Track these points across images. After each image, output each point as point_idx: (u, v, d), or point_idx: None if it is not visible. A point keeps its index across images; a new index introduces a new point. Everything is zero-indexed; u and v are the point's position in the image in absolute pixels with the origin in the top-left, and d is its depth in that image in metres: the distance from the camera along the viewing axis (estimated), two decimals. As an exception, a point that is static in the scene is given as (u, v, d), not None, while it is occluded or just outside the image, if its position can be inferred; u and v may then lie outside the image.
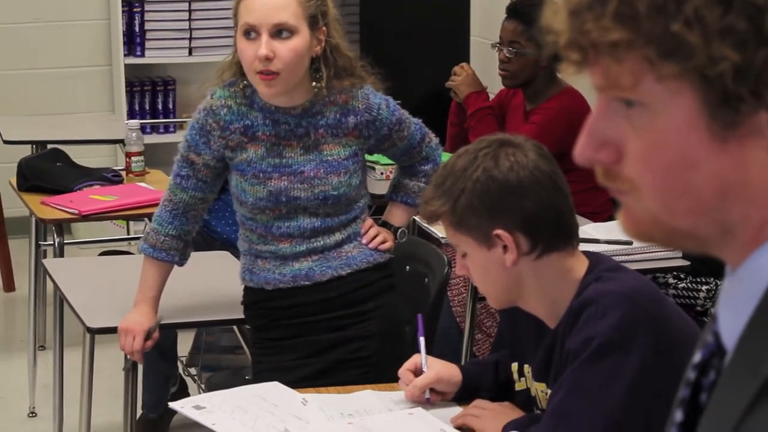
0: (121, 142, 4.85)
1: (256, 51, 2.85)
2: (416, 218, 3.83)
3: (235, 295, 3.17)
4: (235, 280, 3.13)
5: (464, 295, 4.16)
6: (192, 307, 3.31)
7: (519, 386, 2.47)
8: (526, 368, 2.44)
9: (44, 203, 4.21)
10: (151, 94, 6.58)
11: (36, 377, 4.65)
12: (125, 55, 6.43)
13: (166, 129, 6.62)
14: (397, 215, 3.20)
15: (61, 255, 4.16)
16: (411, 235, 3.46)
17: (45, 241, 4.66)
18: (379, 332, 3.03)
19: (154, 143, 6.05)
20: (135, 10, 6.42)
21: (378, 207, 3.58)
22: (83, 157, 5.01)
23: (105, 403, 4.31)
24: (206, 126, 2.99)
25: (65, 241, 4.27)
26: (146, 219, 4.16)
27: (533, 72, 4.56)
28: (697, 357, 1.06)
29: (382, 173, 4.63)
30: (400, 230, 3.18)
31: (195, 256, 3.19)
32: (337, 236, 3.01)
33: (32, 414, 4.66)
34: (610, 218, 4.26)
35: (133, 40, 6.45)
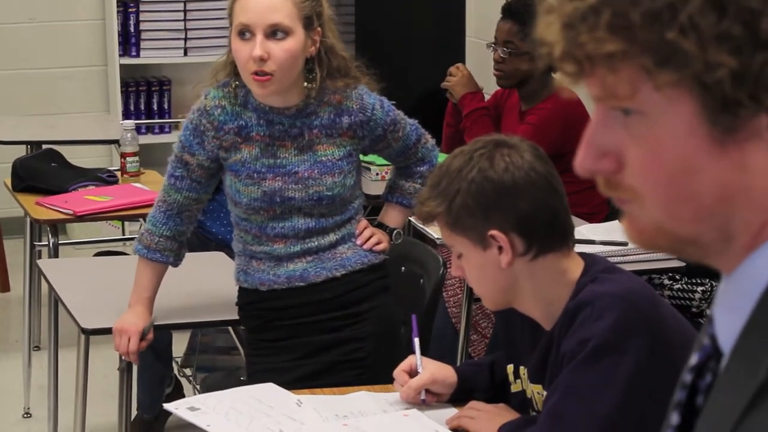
0: (116, 142, 4.84)
1: (251, 51, 2.84)
2: (412, 219, 3.82)
3: (229, 296, 3.16)
4: (230, 280, 3.12)
5: (460, 295, 4.16)
6: (187, 307, 3.30)
7: (514, 388, 2.47)
8: (522, 370, 2.43)
9: (39, 204, 4.20)
10: (146, 94, 6.58)
11: (31, 378, 4.65)
12: (120, 55, 6.43)
13: (162, 129, 6.62)
14: (392, 216, 3.19)
15: (56, 255, 4.15)
16: (406, 236, 3.46)
17: (40, 241, 4.65)
18: (374, 333, 3.03)
19: (149, 143, 6.05)
20: (130, 10, 6.42)
21: (373, 207, 3.58)
22: (78, 157, 5.00)
23: (100, 404, 4.31)
24: (200, 126, 2.98)
25: (60, 242, 4.26)
26: (141, 219, 4.16)
27: (528, 72, 4.56)
28: (694, 359, 1.05)
29: (377, 174, 4.62)
30: (395, 231, 3.17)
31: (190, 257, 3.19)
32: (332, 237, 3.00)
33: (27, 415, 4.65)
34: (606, 219, 4.26)
35: (129, 40, 6.45)
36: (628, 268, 3.30)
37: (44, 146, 4.89)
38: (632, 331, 2.18)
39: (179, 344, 4.50)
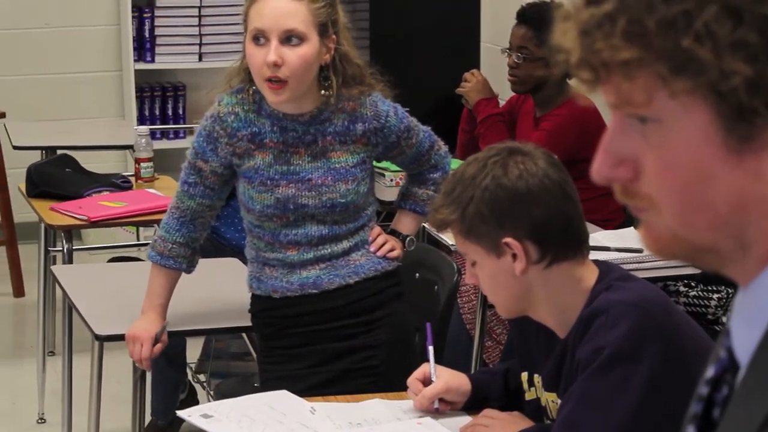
0: (130, 147, 4.84)
1: (265, 57, 2.84)
2: (426, 225, 3.82)
3: (243, 303, 3.16)
4: (244, 287, 3.12)
5: (474, 302, 4.15)
6: (200, 314, 3.30)
7: (529, 396, 2.46)
8: (536, 378, 2.42)
9: (53, 209, 4.20)
10: (161, 99, 6.58)
11: (45, 383, 4.65)
12: (135, 61, 6.43)
13: (176, 135, 6.62)
14: (405, 223, 3.18)
15: (70, 261, 4.15)
16: (420, 242, 3.45)
17: (54, 247, 4.66)
18: (387, 341, 3.02)
19: (164, 149, 6.05)
20: (145, 15, 6.43)
21: (388, 213, 3.57)
22: (93, 162, 5.01)
23: (114, 410, 4.31)
24: (213, 133, 2.98)
25: (75, 247, 4.26)
26: (156, 225, 4.16)
27: (542, 78, 4.55)
28: (710, 372, 1.04)
29: (391, 180, 4.62)
30: (408, 238, 3.16)
31: (203, 263, 3.19)
32: (345, 244, 3.00)
33: (41, 420, 4.65)
34: (621, 226, 4.25)
35: (143, 46, 6.46)
36: (643, 275, 3.29)
37: (59, 152, 4.90)
38: (646, 339, 2.17)
39: (193, 350, 4.50)
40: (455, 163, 3.06)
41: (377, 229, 3.06)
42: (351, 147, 2.96)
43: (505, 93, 4.91)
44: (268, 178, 2.96)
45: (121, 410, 4.16)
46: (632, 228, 3.85)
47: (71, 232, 4.23)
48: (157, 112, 6.57)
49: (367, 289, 3.01)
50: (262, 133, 2.97)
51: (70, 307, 3.72)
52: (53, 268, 3.93)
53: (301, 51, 2.86)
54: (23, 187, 4.48)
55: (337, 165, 2.95)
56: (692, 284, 4.02)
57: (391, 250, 3.05)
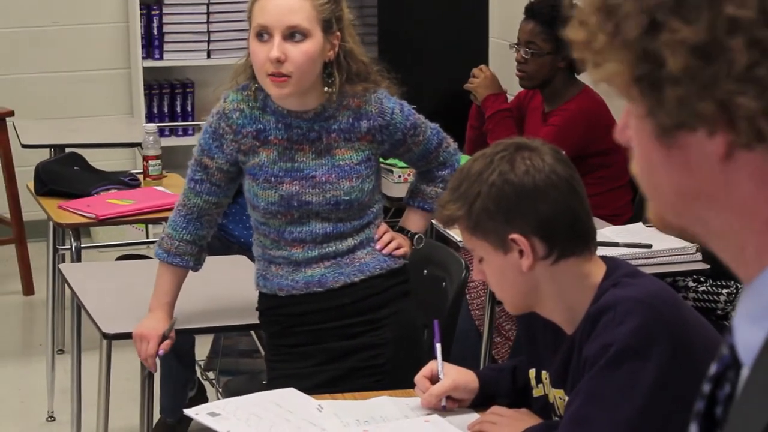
0: (139, 145, 4.84)
1: (268, 53, 2.83)
2: (434, 222, 3.81)
3: (251, 300, 3.15)
4: (251, 284, 3.11)
5: (483, 298, 4.14)
6: (209, 311, 3.30)
7: (537, 393, 2.45)
8: (544, 374, 2.41)
9: (61, 207, 4.20)
10: (169, 96, 6.59)
11: (55, 381, 4.65)
12: (143, 58, 6.44)
13: (185, 132, 6.62)
14: (414, 221, 3.17)
15: (79, 259, 4.15)
16: (429, 238, 3.44)
17: (63, 245, 4.66)
18: (393, 339, 3.01)
19: (172, 146, 6.06)
20: (153, 12, 6.43)
21: (396, 210, 3.57)
22: (101, 160, 5.01)
23: (123, 407, 4.31)
24: (219, 130, 2.98)
25: (84, 245, 4.26)
26: (164, 223, 4.16)
27: (550, 73, 4.55)
28: (713, 369, 1.04)
29: (400, 176, 4.61)
30: (417, 236, 3.15)
31: (211, 261, 3.18)
32: (350, 242, 2.99)
33: (51, 418, 4.66)
34: (629, 221, 4.24)
35: (152, 43, 6.46)
36: (652, 270, 3.29)
37: (67, 149, 4.91)
38: (654, 335, 2.16)
39: (202, 347, 4.50)
40: (463, 160, 3.05)
41: (383, 227, 3.05)
42: (356, 144, 2.96)
43: (513, 88, 4.90)
44: (272, 175, 2.95)
45: (130, 408, 4.15)
46: (641, 223, 3.84)
47: (79, 231, 4.24)
48: (165, 109, 6.57)
49: (372, 288, 3.00)
50: (267, 130, 2.96)
51: (78, 306, 3.72)
52: (61, 266, 3.93)
53: (304, 47, 2.86)
54: (32, 186, 4.48)
55: (341, 162, 2.95)
56: (701, 279, 4.01)
57: (398, 248, 3.04)
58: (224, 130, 2.97)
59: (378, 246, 3.02)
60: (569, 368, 2.29)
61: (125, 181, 4.49)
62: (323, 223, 2.96)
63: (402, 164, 4.41)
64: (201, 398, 4.34)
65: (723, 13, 0.93)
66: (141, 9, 6.38)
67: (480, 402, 2.58)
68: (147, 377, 3.28)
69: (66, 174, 4.45)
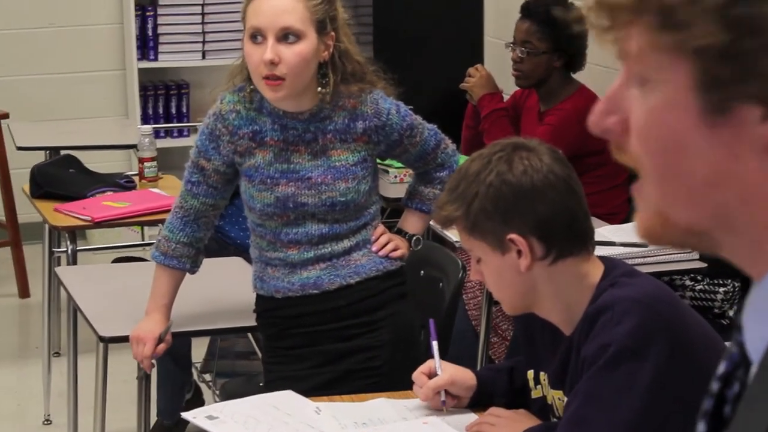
0: (134, 147, 4.83)
1: (262, 55, 2.83)
2: (431, 222, 3.81)
3: (248, 302, 3.15)
4: (248, 286, 3.11)
5: (480, 298, 4.13)
6: (205, 314, 3.29)
7: (535, 394, 2.44)
8: (542, 375, 2.41)
9: (57, 210, 4.20)
10: (164, 98, 6.58)
11: (51, 384, 4.64)
12: (138, 59, 6.43)
13: (180, 133, 6.62)
14: (412, 222, 3.16)
15: (74, 262, 4.14)
16: (425, 239, 3.43)
17: (59, 247, 4.65)
18: (389, 341, 3.00)
19: (167, 147, 6.05)
20: (148, 14, 6.42)
21: (392, 210, 3.56)
22: (96, 161, 5.00)
23: (120, 410, 4.30)
24: (215, 131, 2.97)
25: (79, 247, 4.25)
26: (160, 225, 4.15)
27: (546, 72, 4.54)
28: (721, 368, 1.03)
29: (395, 177, 4.61)
30: (415, 237, 3.14)
31: (208, 263, 3.18)
32: (346, 243, 2.98)
33: (47, 422, 4.65)
34: (626, 220, 4.23)
35: (147, 44, 6.45)
36: (649, 269, 3.28)
37: (62, 152, 4.89)
38: (652, 335, 2.15)
39: (198, 349, 4.49)
40: (461, 159, 3.04)
41: (380, 228, 3.04)
42: (352, 145, 2.95)
43: (509, 88, 4.89)
44: (268, 177, 2.94)
45: (127, 411, 4.15)
46: (637, 222, 3.83)
47: (75, 233, 4.22)
48: (160, 110, 6.56)
49: (368, 290, 2.99)
50: (263, 131, 2.95)
51: (74, 308, 3.71)
52: (57, 269, 3.92)
53: (298, 49, 2.85)
54: (27, 188, 4.47)
55: (337, 163, 2.94)
56: (698, 278, 4.01)
57: (395, 250, 3.03)
58: (221, 132, 2.97)
59: (374, 248, 3.01)
60: (567, 369, 2.29)
61: (121, 183, 4.49)
62: (319, 225, 2.95)
63: (398, 165, 4.41)
64: (197, 400, 4.34)
65: None
66: (136, 10, 6.37)
67: (477, 402, 2.58)
68: (144, 379, 3.27)
69: (61, 176, 4.44)
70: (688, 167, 0.96)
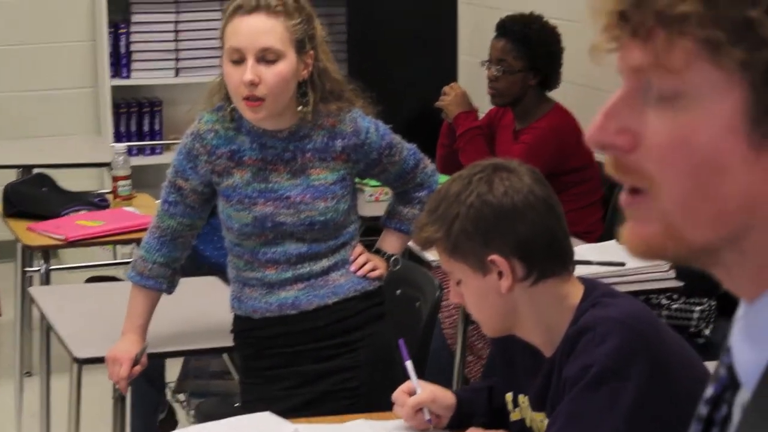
0: (107, 165, 4.81)
1: (242, 76, 2.81)
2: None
3: (223, 322, 3.13)
4: (224, 306, 3.09)
5: (455, 316, 4.12)
6: (180, 334, 3.27)
7: (514, 417, 2.43)
8: (522, 398, 2.40)
9: (30, 229, 4.17)
10: (137, 115, 6.54)
11: (23, 404, 4.60)
12: (111, 77, 6.39)
13: (153, 151, 6.58)
14: (390, 242, 3.15)
15: (48, 282, 4.11)
16: (402, 258, 3.41)
17: (32, 266, 4.61)
18: (367, 362, 2.99)
19: (140, 165, 6.01)
20: (121, 31, 6.38)
21: (368, 228, 3.54)
22: (69, 179, 4.96)
23: (93, 430, 4.26)
24: (193, 151, 2.95)
25: (51, 267, 4.22)
26: (135, 244, 4.13)
27: (522, 90, 4.55)
28: (710, 391, 1.01)
29: (371, 195, 4.60)
30: (393, 258, 3.13)
31: (183, 282, 3.15)
32: (324, 263, 2.96)
33: (19, 442, 4.60)
34: (601, 238, 4.24)
35: (120, 62, 6.42)
36: (625, 288, 3.28)
37: (35, 170, 4.86)
38: (634, 356, 2.15)
39: (172, 369, 4.45)
40: (441, 179, 3.03)
41: (359, 248, 3.03)
42: (331, 164, 2.94)
43: (484, 106, 4.89)
44: (246, 196, 2.93)
45: (101, 430, 4.11)
46: (614, 241, 3.84)
47: (49, 252, 4.19)
48: (133, 128, 6.53)
49: (346, 310, 2.98)
50: (242, 150, 2.94)
51: (48, 328, 3.68)
52: (31, 290, 3.89)
53: (278, 69, 2.84)
54: (0, 207, 4.43)
55: (316, 182, 2.93)
56: (674, 297, 4.01)
57: (373, 270, 3.02)
58: (198, 151, 2.95)
59: (353, 268, 2.99)
60: (549, 390, 2.28)
61: (94, 202, 4.46)
62: (298, 244, 2.94)
63: (374, 183, 4.39)
64: (171, 420, 4.31)
65: None
66: (109, 27, 6.34)
67: (457, 422, 2.56)
68: (118, 400, 3.24)
69: (35, 195, 4.42)
70: (723, 190, 0.91)
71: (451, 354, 4.05)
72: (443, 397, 2.57)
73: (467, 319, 3.79)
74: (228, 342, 3.13)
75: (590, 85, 4.78)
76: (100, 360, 3.07)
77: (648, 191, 0.94)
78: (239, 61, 2.83)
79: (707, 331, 3.99)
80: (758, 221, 0.91)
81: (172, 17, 6.41)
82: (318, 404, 2.92)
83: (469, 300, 2.32)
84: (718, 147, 0.90)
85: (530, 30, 4.53)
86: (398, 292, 3.46)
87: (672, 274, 3.64)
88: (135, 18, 6.40)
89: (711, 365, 2.30)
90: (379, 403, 2.71)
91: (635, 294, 3.28)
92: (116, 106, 6.46)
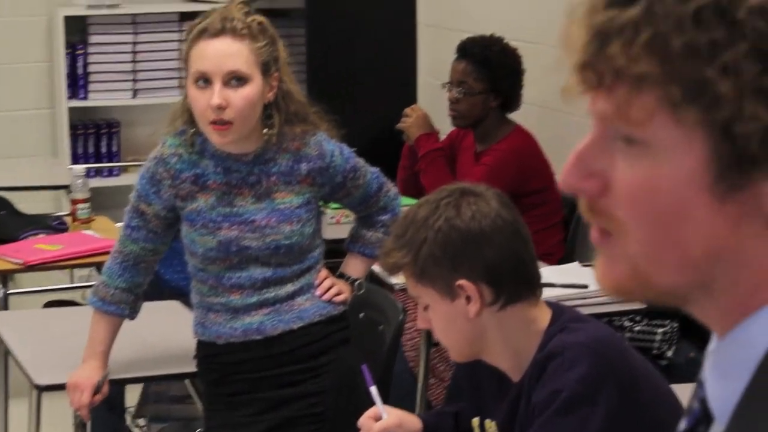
0: (65, 187, 4.77)
1: (209, 100, 2.79)
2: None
3: (185, 347, 3.10)
4: (185, 331, 3.06)
5: (417, 339, 4.11)
6: (142, 359, 3.24)
7: (481, 441, 2.42)
8: (488, 423, 2.38)
9: (-12, 253, 4.12)
10: (95, 137, 6.49)
11: (-20, 431, 4.54)
12: (68, 98, 6.34)
13: (111, 173, 6.53)
14: (354, 266, 3.14)
15: (6, 307, 4.07)
16: (365, 281, 3.40)
17: (-13, 291, 4.55)
18: (332, 387, 2.97)
19: (98, 187, 5.96)
20: (78, 52, 6.34)
21: (329, 250, 3.52)
22: (25, 201, 4.92)
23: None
24: (156, 175, 2.93)
25: (9, 291, 4.17)
26: (94, 268, 4.09)
27: (483, 112, 4.55)
28: (683, 425, 1.01)
29: (332, 218, 4.57)
30: (357, 282, 3.11)
31: (144, 306, 3.12)
32: (289, 287, 2.94)
33: (-23, 470, 4.54)
34: (562, 259, 4.24)
35: (77, 83, 6.37)
36: (588, 311, 3.27)
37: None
38: (603, 380, 2.16)
39: (131, 393, 4.41)
40: (403, 202, 3.02)
41: (324, 272, 3.01)
42: (296, 187, 2.92)
43: (445, 128, 4.89)
44: (210, 221, 2.90)
45: (60, 458, 4.06)
46: (576, 263, 3.84)
47: (6, 277, 4.14)
48: (90, 149, 6.48)
49: (311, 335, 2.96)
50: (206, 174, 2.92)
51: (6, 353, 3.63)
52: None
53: (245, 92, 2.82)
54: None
55: (281, 206, 2.91)
56: (637, 319, 4.02)
57: (338, 294, 3.00)
58: (162, 176, 2.92)
59: (318, 292, 2.98)
60: (516, 415, 2.27)
61: (53, 225, 4.42)
62: (263, 268, 2.92)
63: (335, 205, 4.37)
64: (131, 446, 4.26)
65: None
66: (66, 48, 6.29)
67: (425, 447, 2.55)
68: (79, 427, 3.20)
69: (-8, 219, 4.37)
70: (687, 238, 0.92)
71: (413, 377, 4.04)
72: (409, 422, 2.55)
73: (430, 343, 3.78)
74: (191, 367, 3.10)
75: (551, 106, 4.79)
76: (61, 387, 3.03)
77: (617, 234, 0.95)
78: (205, 85, 2.81)
79: (670, 353, 4.00)
80: (724, 267, 0.92)
81: (129, 38, 6.37)
82: (283, 430, 2.90)
83: (437, 325, 2.31)
84: (682, 196, 0.91)
85: (491, 52, 4.53)
86: (361, 315, 3.44)
87: (634, 296, 3.64)
88: (92, 39, 6.35)
89: (675, 387, 2.31)
90: (344, 428, 2.69)
91: (598, 316, 3.28)
92: (73, 128, 6.40)
